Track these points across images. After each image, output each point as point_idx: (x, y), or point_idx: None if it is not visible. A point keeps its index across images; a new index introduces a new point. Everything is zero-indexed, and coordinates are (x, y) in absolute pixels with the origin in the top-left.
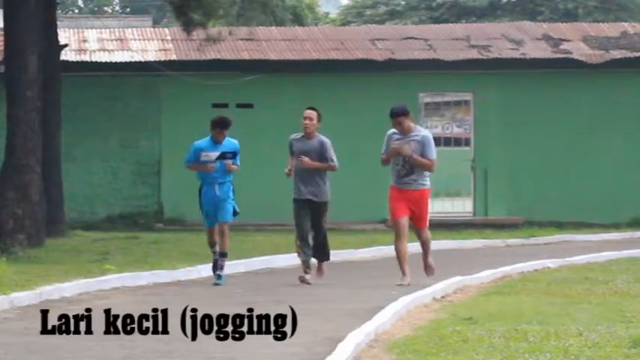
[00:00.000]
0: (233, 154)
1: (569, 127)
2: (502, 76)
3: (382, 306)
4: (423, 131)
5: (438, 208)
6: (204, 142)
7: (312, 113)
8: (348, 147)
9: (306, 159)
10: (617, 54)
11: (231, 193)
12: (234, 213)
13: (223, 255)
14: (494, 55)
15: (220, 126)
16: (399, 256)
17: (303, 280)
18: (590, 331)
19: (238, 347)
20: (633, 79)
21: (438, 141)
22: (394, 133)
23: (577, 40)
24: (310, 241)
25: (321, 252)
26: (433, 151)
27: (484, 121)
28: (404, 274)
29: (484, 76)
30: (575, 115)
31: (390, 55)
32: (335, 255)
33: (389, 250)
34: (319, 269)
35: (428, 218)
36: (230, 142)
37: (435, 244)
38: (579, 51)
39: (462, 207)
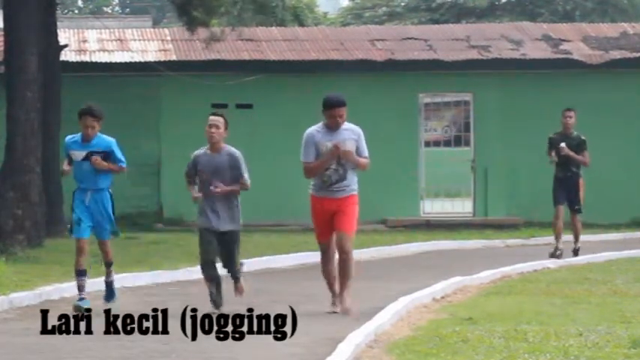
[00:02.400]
0: (105, 155)
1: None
2: (502, 76)
3: (382, 306)
4: (352, 125)
5: (437, 208)
6: (73, 138)
7: (219, 120)
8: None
9: (219, 187)
10: (616, 54)
11: (109, 205)
12: (114, 232)
13: (109, 265)
14: (494, 55)
15: (86, 113)
16: (328, 279)
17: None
18: (589, 331)
19: (238, 347)
20: (633, 79)
21: (438, 142)
22: (319, 132)
23: (577, 40)
24: (218, 274)
25: (235, 275)
26: (365, 148)
27: (484, 121)
28: (334, 295)
29: (484, 77)
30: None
31: (389, 55)
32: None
33: (390, 250)
34: (237, 289)
35: (355, 227)
36: (102, 140)
37: (435, 244)
38: (579, 51)
39: (461, 207)
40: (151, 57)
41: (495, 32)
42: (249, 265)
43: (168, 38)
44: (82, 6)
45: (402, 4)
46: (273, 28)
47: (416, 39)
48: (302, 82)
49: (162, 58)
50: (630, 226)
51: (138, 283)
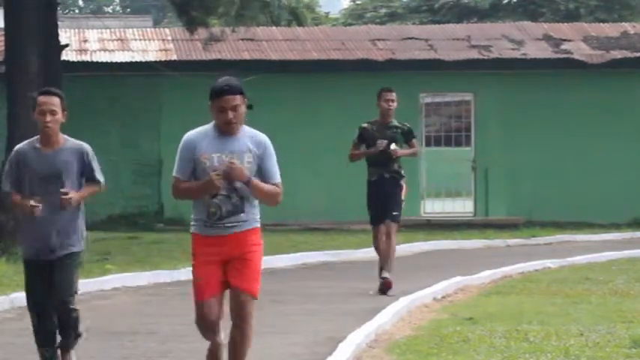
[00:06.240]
0: None
1: (570, 127)
2: (503, 76)
3: (382, 306)
4: (257, 133)
5: (438, 208)
6: None
7: (53, 102)
8: (347, 147)
9: (70, 195)
10: (617, 54)
11: None
12: None
13: None
14: (494, 55)
15: None
16: None
17: None
18: (590, 331)
19: None
20: (633, 79)
21: (438, 141)
22: (205, 137)
23: (577, 40)
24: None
25: (67, 332)
26: (277, 168)
27: (484, 121)
28: None
29: (485, 77)
30: (575, 115)
31: (390, 55)
32: (335, 255)
33: None
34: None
35: (259, 279)
36: None
37: (436, 244)
38: (580, 51)
39: (462, 207)
40: (151, 57)
41: (496, 32)
42: None
43: (169, 38)
44: (82, 6)
45: (402, 3)
46: (274, 28)
47: (417, 39)
48: (303, 82)
49: (163, 58)
50: (631, 225)
51: (138, 283)
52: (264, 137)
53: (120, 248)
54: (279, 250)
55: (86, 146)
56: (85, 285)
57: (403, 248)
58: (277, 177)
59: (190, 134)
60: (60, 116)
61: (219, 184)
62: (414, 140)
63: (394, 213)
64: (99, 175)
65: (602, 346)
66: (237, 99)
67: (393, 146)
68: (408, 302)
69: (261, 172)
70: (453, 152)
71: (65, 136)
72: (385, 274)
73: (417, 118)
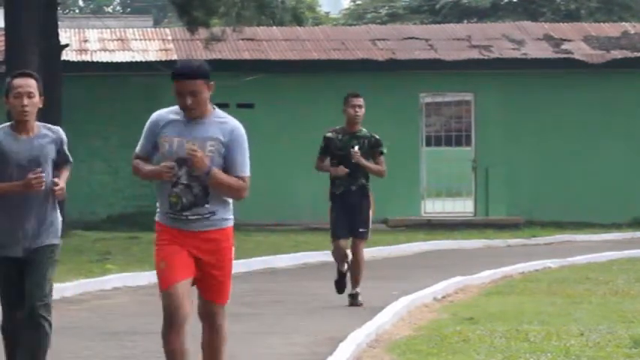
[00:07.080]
0: None
1: (570, 127)
2: (503, 76)
3: (383, 306)
4: (231, 120)
5: (439, 208)
6: None
7: (30, 84)
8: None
9: (60, 184)
10: (617, 54)
11: None
12: None
13: None
14: (495, 55)
15: None
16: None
17: None
18: (591, 331)
19: (238, 347)
20: (634, 79)
21: (438, 141)
22: (174, 119)
23: (578, 40)
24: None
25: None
26: (247, 160)
27: (485, 121)
28: None
29: (485, 76)
30: (575, 114)
31: (391, 55)
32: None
33: (391, 250)
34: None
35: (230, 286)
36: None
37: (436, 244)
38: (580, 51)
39: (462, 207)
40: (152, 56)
41: (496, 32)
42: (250, 264)
43: (169, 38)
44: (82, 5)
45: (403, 3)
46: (274, 28)
47: (417, 38)
48: (303, 82)
49: (164, 58)
50: (632, 225)
51: (138, 283)
52: (235, 125)
53: (120, 248)
54: (280, 250)
55: (61, 131)
56: (85, 285)
57: (403, 248)
58: (243, 170)
59: (159, 112)
60: (37, 99)
61: (168, 177)
62: (381, 157)
63: (361, 230)
64: (71, 159)
65: (603, 346)
66: (197, 84)
67: (356, 148)
68: (408, 302)
69: (226, 162)
70: (454, 152)
71: (37, 122)
72: (355, 290)
73: (417, 118)
